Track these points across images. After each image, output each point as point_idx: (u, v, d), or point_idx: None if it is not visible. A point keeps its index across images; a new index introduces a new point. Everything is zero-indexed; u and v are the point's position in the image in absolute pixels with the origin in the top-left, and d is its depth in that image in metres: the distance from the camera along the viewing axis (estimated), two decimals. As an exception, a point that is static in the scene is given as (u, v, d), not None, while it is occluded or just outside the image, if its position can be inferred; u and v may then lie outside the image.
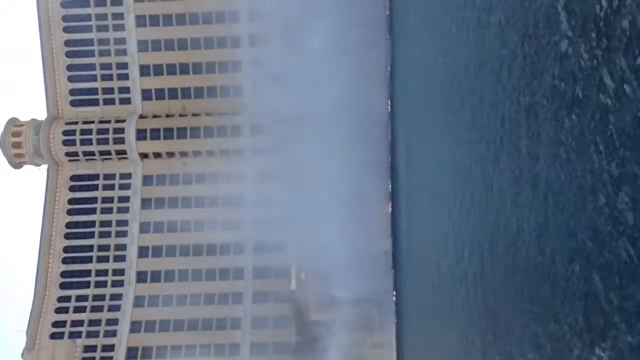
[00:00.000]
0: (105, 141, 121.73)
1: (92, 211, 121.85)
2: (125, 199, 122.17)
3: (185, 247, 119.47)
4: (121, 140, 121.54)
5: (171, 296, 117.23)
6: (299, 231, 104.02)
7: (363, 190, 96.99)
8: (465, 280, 24.87)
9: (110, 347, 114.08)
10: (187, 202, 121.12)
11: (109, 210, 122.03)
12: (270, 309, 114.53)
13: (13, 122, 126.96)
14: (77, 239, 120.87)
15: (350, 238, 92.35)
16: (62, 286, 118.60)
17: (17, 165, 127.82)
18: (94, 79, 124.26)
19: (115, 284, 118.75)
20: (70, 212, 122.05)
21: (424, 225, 45.30)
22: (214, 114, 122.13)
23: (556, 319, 13.19)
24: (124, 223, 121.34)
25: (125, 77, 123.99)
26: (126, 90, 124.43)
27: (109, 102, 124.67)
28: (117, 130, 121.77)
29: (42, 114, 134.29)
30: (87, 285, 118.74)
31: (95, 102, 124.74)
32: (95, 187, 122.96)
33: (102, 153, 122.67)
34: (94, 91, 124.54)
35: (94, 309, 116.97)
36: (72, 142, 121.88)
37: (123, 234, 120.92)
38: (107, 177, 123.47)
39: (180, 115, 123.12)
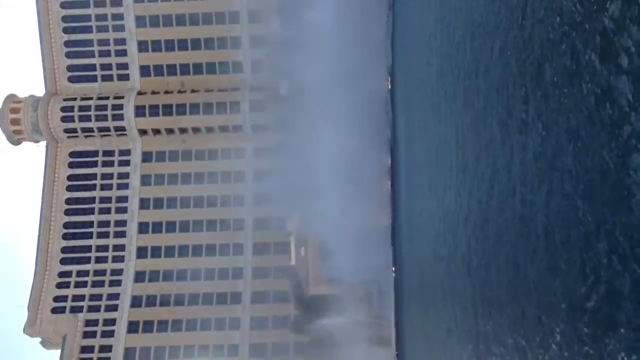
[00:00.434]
0: (104, 118, 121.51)
1: (92, 187, 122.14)
2: (125, 175, 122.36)
3: (185, 223, 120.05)
4: (120, 117, 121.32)
5: (172, 271, 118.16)
6: (298, 207, 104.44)
7: (363, 166, 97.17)
8: (461, 251, 25.24)
9: (111, 321, 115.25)
10: (187, 179, 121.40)
11: (108, 187, 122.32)
12: (270, 283, 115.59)
13: (11, 98, 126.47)
14: (77, 215, 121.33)
15: (349, 213, 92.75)
16: (63, 261, 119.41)
17: (16, 142, 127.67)
18: (91, 55, 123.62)
19: (115, 259, 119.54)
20: (69, 189, 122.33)
21: (422, 200, 45.65)
22: (213, 90, 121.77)
23: (550, 287, 13.50)
24: (124, 199, 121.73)
25: (123, 53, 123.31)
26: (124, 66, 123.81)
27: (107, 78, 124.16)
28: (115, 107, 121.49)
29: (40, 91, 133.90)
30: (87, 260, 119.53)
31: (93, 79, 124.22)
32: (94, 164, 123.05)
33: (100, 130, 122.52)
34: (91, 67, 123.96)
35: (95, 284, 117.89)
36: (71, 119, 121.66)
37: (123, 210, 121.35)
38: (106, 153, 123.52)
39: (179, 91, 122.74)
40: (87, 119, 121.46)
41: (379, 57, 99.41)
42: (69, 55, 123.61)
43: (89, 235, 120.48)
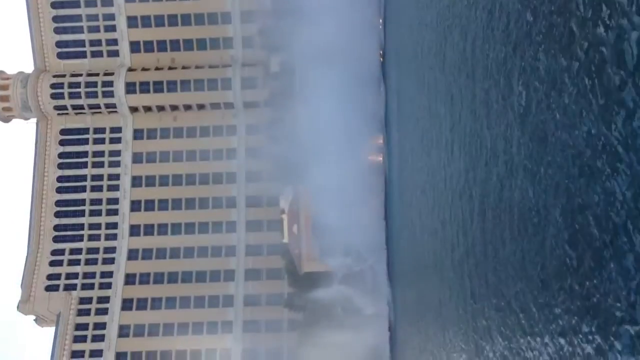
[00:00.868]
0: (94, 94, 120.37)
1: (83, 165, 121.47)
2: (116, 152, 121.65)
3: (177, 201, 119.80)
4: (110, 94, 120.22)
5: (165, 249, 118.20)
6: (290, 184, 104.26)
7: (356, 143, 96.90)
8: (454, 225, 25.14)
9: (105, 299, 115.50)
10: (179, 156, 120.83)
11: (100, 164, 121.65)
12: (263, 261, 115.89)
13: (0, 75, 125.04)
14: (69, 193, 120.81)
15: (342, 190, 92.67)
16: (56, 239, 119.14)
17: (5, 119, 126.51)
18: (80, 30, 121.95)
19: (108, 237, 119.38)
20: (61, 166, 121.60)
21: (415, 176, 45.53)
22: (204, 66, 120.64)
23: (544, 262, 13.36)
24: (116, 177, 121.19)
25: (112, 28, 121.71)
26: (114, 42, 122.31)
27: (96, 54, 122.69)
28: (106, 84, 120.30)
29: (29, 67, 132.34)
30: (80, 238, 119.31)
31: (82, 55, 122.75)
32: (85, 141, 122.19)
33: (91, 107, 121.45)
34: (80, 43, 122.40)
35: (89, 262, 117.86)
36: (61, 96, 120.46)
37: (115, 188, 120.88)
38: (97, 130, 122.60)
39: (170, 68, 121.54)
40: (77, 95, 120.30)
41: (371, 31, 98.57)
42: (57, 30, 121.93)
43: (82, 213, 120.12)
